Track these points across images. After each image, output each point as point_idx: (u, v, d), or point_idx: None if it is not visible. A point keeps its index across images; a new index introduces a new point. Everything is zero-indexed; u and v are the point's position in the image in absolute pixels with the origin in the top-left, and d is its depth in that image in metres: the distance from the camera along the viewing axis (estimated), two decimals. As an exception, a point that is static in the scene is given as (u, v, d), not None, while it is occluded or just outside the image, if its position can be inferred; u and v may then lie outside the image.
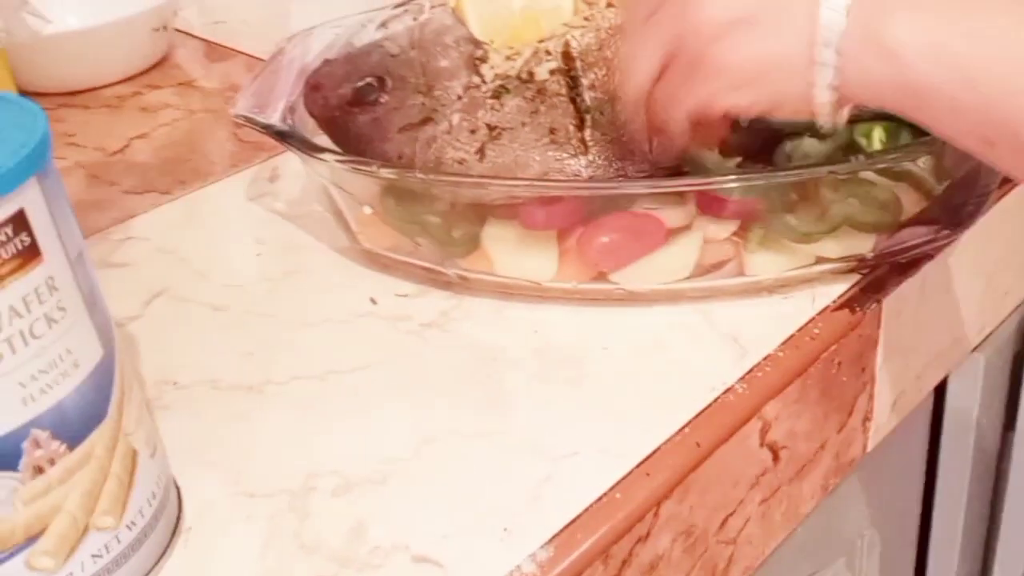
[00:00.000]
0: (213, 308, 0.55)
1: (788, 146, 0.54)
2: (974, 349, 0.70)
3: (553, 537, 0.41)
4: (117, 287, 0.57)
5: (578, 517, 0.42)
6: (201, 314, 0.55)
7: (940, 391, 0.74)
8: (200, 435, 0.47)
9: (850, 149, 0.55)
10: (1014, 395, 0.75)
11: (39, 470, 0.35)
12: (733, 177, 0.51)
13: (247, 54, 0.84)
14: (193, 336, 0.53)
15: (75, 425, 0.36)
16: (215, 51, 0.86)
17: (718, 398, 0.47)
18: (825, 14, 0.41)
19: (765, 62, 0.44)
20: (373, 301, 0.54)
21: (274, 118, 0.55)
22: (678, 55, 0.46)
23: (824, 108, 0.44)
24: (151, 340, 0.53)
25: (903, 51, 0.40)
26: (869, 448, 0.58)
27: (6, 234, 0.33)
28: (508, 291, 0.53)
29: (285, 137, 0.53)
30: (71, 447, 0.36)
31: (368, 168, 0.51)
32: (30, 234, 0.34)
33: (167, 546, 0.41)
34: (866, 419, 0.56)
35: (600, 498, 0.43)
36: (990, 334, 0.69)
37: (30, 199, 0.34)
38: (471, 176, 0.52)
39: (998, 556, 0.81)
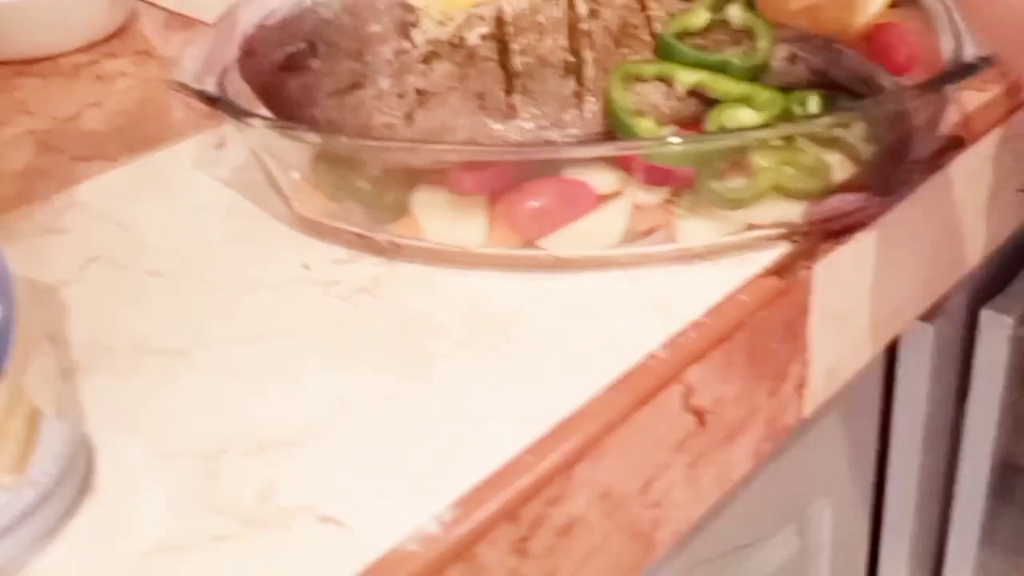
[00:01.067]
0: (148, 274, 0.55)
1: (722, 115, 0.54)
2: (924, 319, 0.70)
3: (459, 498, 0.41)
4: (56, 252, 0.57)
5: (486, 479, 0.42)
6: (136, 280, 0.55)
7: (891, 360, 0.74)
8: (121, 398, 0.47)
9: (785, 119, 0.54)
10: (967, 365, 0.75)
11: (-68, 427, 0.36)
12: (661, 141, 0.51)
13: (208, 23, 0.83)
14: (125, 301, 0.53)
15: (-30, 383, 0.36)
16: (176, 20, 0.85)
17: (638, 363, 0.47)
18: None
19: None
20: (306, 267, 0.54)
21: (213, 83, 0.55)
22: None
23: None
24: (83, 305, 0.53)
25: None
26: (805, 414, 0.58)
27: None
28: (439, 257, 0.53)
29: (216, 102, 0.53)
30: (-34, 405, 0.36)
31: (295, 133, 0.51)
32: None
33: (73, 507, 0.41)
34: (800, 385, 0.56)
35: (510, 460, 0.43)
36: (939, 304, 0.69)
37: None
38: (398, 141, 0.51)
39: (954, 526, 0.81)
